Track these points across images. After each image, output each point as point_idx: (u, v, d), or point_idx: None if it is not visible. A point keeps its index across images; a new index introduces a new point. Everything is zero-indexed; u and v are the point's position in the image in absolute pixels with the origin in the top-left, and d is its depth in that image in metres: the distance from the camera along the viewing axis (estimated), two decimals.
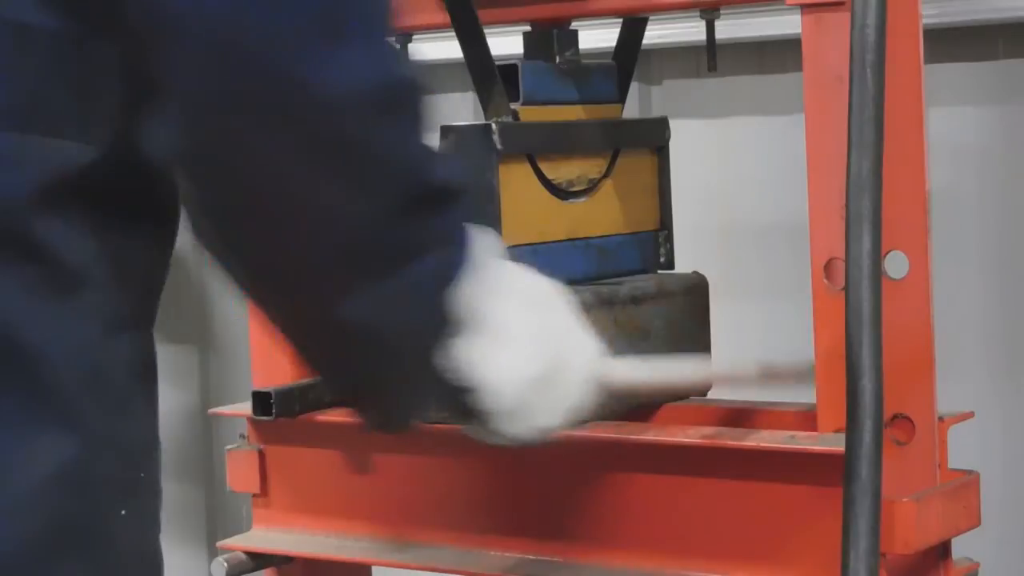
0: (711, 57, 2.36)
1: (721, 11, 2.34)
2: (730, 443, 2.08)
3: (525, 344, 1.62)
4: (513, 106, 2.26)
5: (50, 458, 1.37)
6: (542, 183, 2.30)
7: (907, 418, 2.02)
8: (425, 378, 1.59)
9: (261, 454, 2.52)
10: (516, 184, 2.24)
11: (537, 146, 2.28)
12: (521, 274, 1.65)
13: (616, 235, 2.40)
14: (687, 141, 3.00)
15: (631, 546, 2.18)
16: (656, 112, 3.31)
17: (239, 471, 2.53)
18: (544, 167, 2.30)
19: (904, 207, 2.00)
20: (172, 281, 1.50)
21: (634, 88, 2.48)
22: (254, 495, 2.53)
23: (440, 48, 3.17)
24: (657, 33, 3.15)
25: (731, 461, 2.10)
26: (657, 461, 2.15)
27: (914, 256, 2.01)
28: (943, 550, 2.06)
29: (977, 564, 2.10)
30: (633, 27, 2.46)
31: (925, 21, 2.02)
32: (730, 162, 3.32)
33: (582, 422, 2.19)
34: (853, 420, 1.78)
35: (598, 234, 2.37)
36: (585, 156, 2.37)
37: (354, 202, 1.43)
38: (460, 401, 1.62)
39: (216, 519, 4.12)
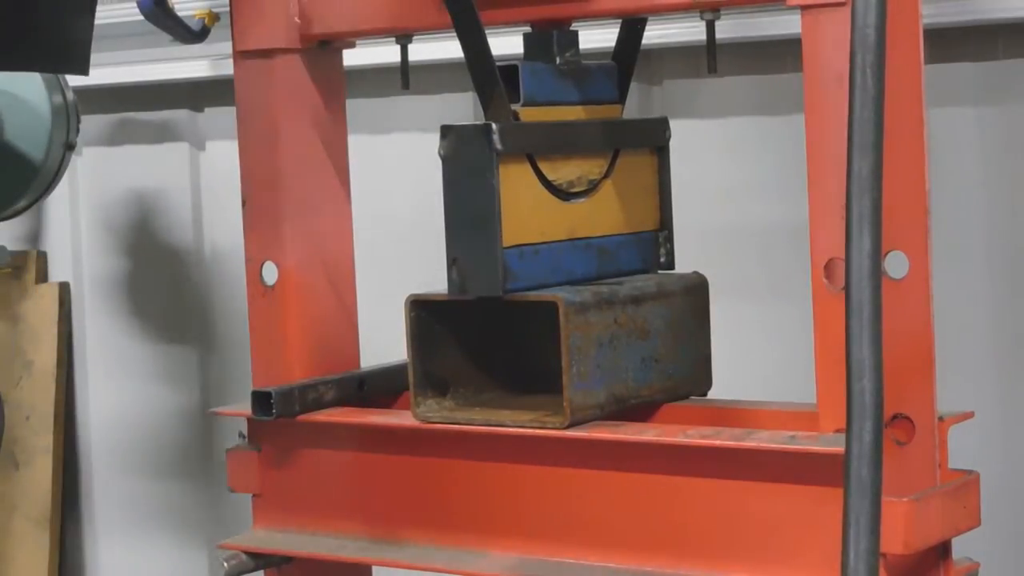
0: (711, 58, 2.36)
1: (721, 12, 2.34)
2: (730, 443, 2.08)
3: None
4: (513, 107, 2.27)
5: None
6: (542, 183, 2.30)
7: (907, 418, 2.02)
8: None
9: (261, 454, 2.52)
10: (516, 184, 2.24)
11: (537, 146, 2.28)
12: None
13: (616, 235, 2.40)
14: (688, 141, 3.00)
15: (631, 546, 2.18)
16: (657, 112, 3.31)
17: (239, 471, 2.54)
18: (544, 167, 2.30)
19: (904, 207, 2.01)
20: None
21: (635, 88, 2.48)
22: (254, 495, 2.53)
23: (440, 48, 3.19)
24: (658, 33, 3.15)
25: (731, 461, 2.10)
26: (657, 461, 2.15)
27: (914, 256, 2.01)
28: (943, 550, 2.06)
29: (977, 564, 2.10)
30: (632, 28, 2.46)
31: (925, 21, 2.02)
32: (730, 162, 3.32)
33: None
34: (853, 420, 1.77)
35: (598, 234, 2.37)
36: (585, 156, 2.37)
37: None
38: None
39: (216, 519, 4.13)
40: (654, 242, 2.46)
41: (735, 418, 2.30)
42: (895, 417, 2.02)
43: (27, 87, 3.61)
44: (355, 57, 2.84)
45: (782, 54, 3.21)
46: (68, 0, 2.26)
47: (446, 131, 2.23)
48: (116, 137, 4.28)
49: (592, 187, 2.38)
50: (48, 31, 2.28)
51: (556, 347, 2.17)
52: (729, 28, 3.07)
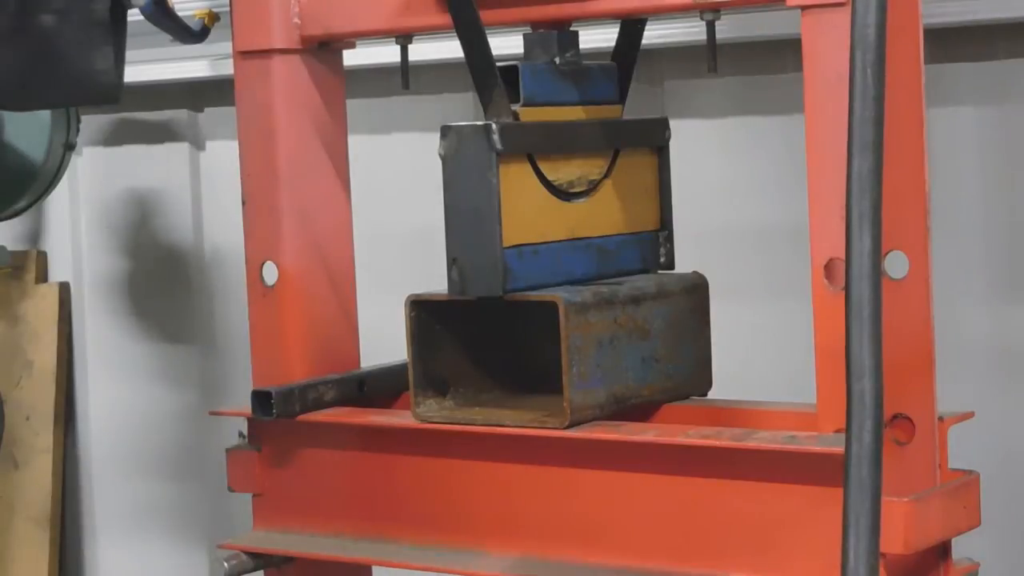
0: (712, 58, 2.36)
1: (721, 12, 2.34)
2: (730, 443, 2.08)
3: None
4: (513, 107, 2.27)
5: None
6: (542, 183, 2.30)
7: (907, 418, 2.02)
8: None
9: (261, 454, 2.52)
10: (516, 184, 2.24)
11: (537, 146, 2.28)
12: None
13: (616, 235, 2.40)
14: (688, 141, 3.00)
15: (631, 546, 2.18)
16: (657, 112, 3.31)
17: (239, 471, 2.54)
18: (544, 167, 2.30)
19: (904, 207, 2.01)
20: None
21: (635, 88, 2.48)
22: (254, 495, 2.53)
23: (440, 48, 3.18)
24: (658, 33, 3.15)
25: (731, 461, 2.10)
26: (657, 461, 2.15)
27: (914, 256, 2.01)
28: (943, 550, 2.06)
29: (977, 564, 2.10)
30: (632, 28, 2.46)
31: (925, 21, 2.02)
32: (730, 162, 3.32)
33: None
34: (853, 420, 1.77)
35: (598, 234, 2.37)
36: (585, 156, 2.37)
37: None
38: None
39: (216, 519, 4.12)
40: (654, 242, 2.46)
41: (735, 418, 2.30)
42: (895, 417, 2.02)
43: None
44: (355, 57, 2.84)
45: (782, 54, 3.20)
46: (87, 33, 2.29)
47: (446, 131, 2.23)
48: (116, 137, 4.28)
49: (592, 187, 2.38)
50: (71, 66, 2.31)
51: (556, 347, 2.17)
52: (729, 28, 3.07)
